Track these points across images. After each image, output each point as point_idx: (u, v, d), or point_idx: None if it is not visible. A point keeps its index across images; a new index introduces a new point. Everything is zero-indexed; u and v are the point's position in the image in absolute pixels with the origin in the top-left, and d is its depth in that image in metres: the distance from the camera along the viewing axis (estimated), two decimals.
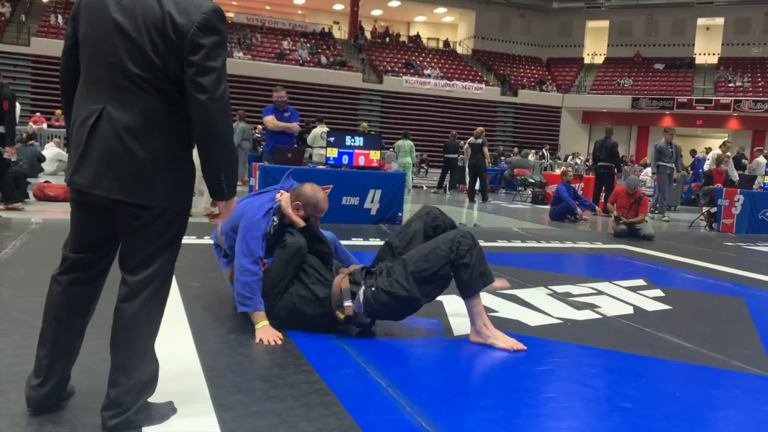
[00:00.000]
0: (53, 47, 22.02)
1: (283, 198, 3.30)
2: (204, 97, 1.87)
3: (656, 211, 11.32)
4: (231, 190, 2.04)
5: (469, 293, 3.11)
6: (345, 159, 7.82)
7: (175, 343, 2.85)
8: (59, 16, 25.30)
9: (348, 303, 3.05)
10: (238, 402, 2.29)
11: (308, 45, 29.94)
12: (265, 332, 3.00)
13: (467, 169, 14.25)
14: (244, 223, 3.14)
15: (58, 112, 18.68)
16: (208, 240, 5.73)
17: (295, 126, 8.11)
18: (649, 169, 13.18)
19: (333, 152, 7.81)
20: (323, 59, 29.01)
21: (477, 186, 13.56)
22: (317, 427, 2.13)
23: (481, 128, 14.11)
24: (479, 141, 13.44)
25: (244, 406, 2.26)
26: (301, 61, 28.25)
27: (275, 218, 3.20)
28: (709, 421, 2.47)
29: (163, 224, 1.98)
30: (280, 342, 2.96)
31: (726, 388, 2.88)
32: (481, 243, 6.77)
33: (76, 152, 1.93)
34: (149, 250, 1.98)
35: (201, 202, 7.53)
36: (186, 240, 5.57)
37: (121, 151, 1.88)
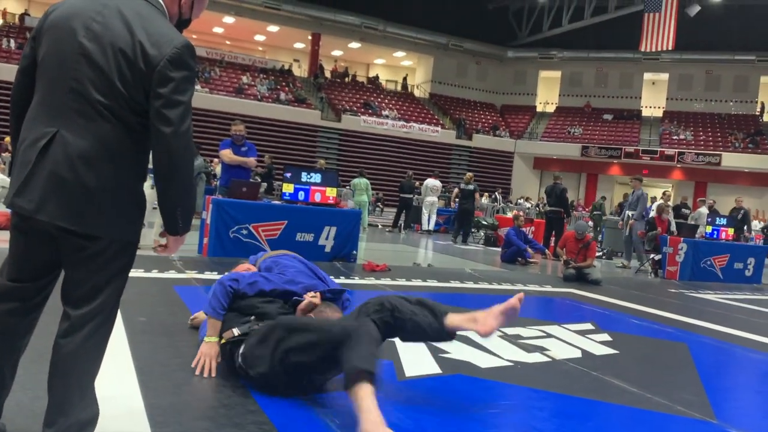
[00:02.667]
0: (4, 72, 21.48)
1: None
2: (169, 130, 1.83)
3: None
4: (186, 225, 2.00)
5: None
6: (301, 195, 7.80)
7: (118, 380, 2.75)
8: (11, 41, 24.79)
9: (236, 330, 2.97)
10: None
11: (267, 81, 30.04)
12: (207, 349, 3.03)
13: (456, 213, 14.46)
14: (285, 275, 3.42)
15: (7, 140, 18.14)
16: (156, 273, 5.60)
17: (251, 161, 8.07)
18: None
19: (289, 188, 7.78)
20: (282, 96, 29.12)
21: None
22: None
23: (470, 174, 14.44)
24: (470, 187, 13.75)
25: None
26: (259, 97, 28.28)
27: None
28: None
29: (109, 257, 1.90)
30: (213, 371, 2.94)
31: None
32: (435, 283, 6.85)
33: (21, 174, 1.83)
34: (94, 283, 1.89)
35: (151, 234, 7.37)
36: (134, 273, 5.43)
37: (70, 178, 1.80)
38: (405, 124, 30.76)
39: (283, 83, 30.76)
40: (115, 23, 1.86)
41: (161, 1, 2.00)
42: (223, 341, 2.99)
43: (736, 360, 4.86)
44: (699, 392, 3.57)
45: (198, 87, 26.66)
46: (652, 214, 12.64)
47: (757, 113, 32.88)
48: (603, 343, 4.63)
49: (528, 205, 25.11)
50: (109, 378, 2.48)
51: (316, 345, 2.57)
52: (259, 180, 14.19)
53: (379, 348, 2.54)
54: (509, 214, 16.79)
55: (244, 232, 7.16)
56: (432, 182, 15.39)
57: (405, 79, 36.28)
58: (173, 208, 1.95)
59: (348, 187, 15.48)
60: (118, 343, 3.26)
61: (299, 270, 3.55)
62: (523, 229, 11.48)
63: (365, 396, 2.29)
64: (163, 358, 3.18)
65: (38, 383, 2.06)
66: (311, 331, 2.62)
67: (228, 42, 35.62)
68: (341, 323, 2.65)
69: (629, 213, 11.77)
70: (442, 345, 3.97)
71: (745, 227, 15.98)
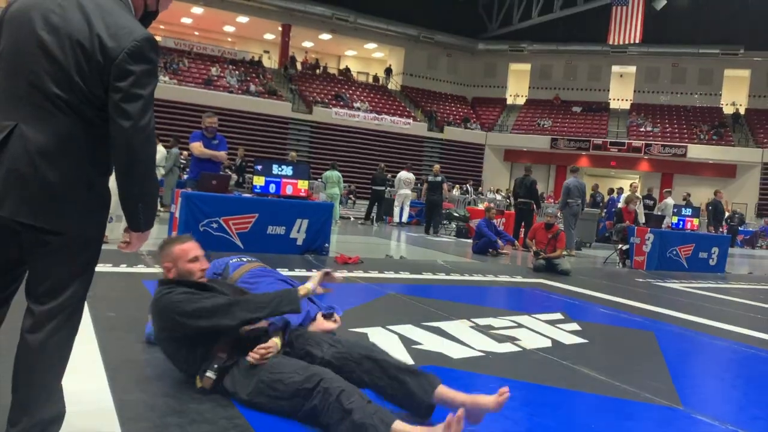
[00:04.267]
0: None
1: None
2: (127, 124, 1.79)
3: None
4: (148, 222, 1.96)
5: None
6: (272, 188, 7.74)
7: (87, 377, 2.70)
8: None
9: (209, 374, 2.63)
10: None
11: (237, 72, 29.70)
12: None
13: (425, 205, 14.57)
14: None
15: None
16: (125, 268, 5.51)
17: (222, 154, 7.98)
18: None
19: (260, 181, 7.72)
20: (252, 87, 28.83)
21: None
22: None
23: (437, 166, 14.68)
24: (438, 179, 13.98)
25: None
26: (229, 89, 27.96)
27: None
28: None
29: (72, 252, 1.86)
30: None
31: (638, 419, 2.99)
32: (407, 275, 6.87)
33: None
34: (58, 278, 1.86)
35: (119, 228, 7.23)
36: (102, 268, 5.35)
37: (30, 173, 1.76)
38: (377, 116, 30.73)
39: (253, 75, 30.45)
40: (73, 15, 1.81)
41: None
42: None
43: (701, 347, 4.97)
44: (666, 380, 3.64)
45: (166, 78, 26.26)
46: (620, 205, 12.86)
47: (721, 106, 33.60)
48: (572, 332, 4.70)
49: (499, 197, 25.32)
50: (78, 375, 2.43)
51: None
52: (229, 173, 14.05)
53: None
54: (480, 206, 16.89)
55: (214, 225, 7.08)
56: (405, 175, 15.43)
57: (387, 71, 36.12)
58: (135, 203, 1.91)
59: (320, 180, 15.41)
60: (87, 340, 3.21)
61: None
62: (494, 220, 11.57)
63: None
64: (132, 354, 3.13)
65: (3, 381, 2.01)
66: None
67: (197, 33, 35.11)
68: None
69: (568, 201, 11.88)
70: (414, 337, 3.99)
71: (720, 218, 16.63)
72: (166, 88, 24.76)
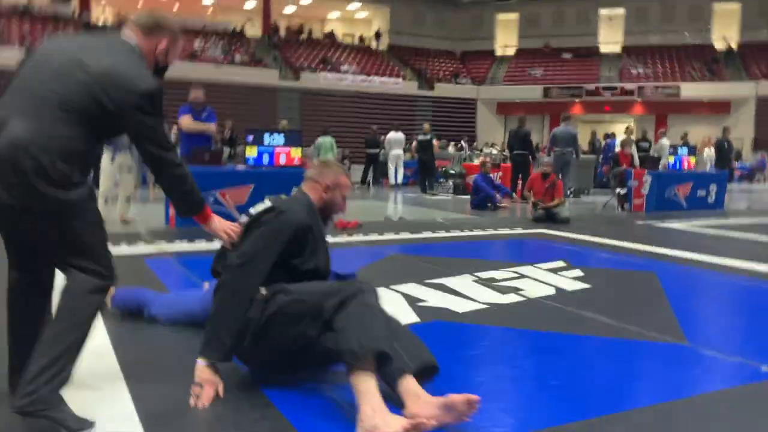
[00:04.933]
0: None
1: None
2: (154, 150, 2.19)
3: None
4: (191, 207, 2.34)
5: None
6: (265, 158, 7.68)
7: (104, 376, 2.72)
8: None
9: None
10: (166, 410, 2.21)
11: (221, 44, 29.25)
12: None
13: (418, 165, 14.51)
14: None
15: None
16: (126, 248, 5.50)
17: (211, 126, 7.90)
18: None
19: (253, 152, 7.66)
20: (237, 57, 28.42)
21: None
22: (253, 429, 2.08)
23: (427, 125, 14.56)
24: (428, 137, 13.89)
25: (174, 413, 2.18)
26: (215, 60, 27.55)
27: None
28: (632, 390, 2.58)
29: (58, 223, 2.01)
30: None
31: (644, 358, 3.02)
32: (407, 235, 6.88)
33: None
34: (58, 252, 2.06)
35: (115, 209, 7.23)
36: None
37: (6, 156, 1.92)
38: (366, 78, 30.37)
39: (238, 45, 29.98)
40: (96, 56, 2.11)
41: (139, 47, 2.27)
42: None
43: (704, 284, 5.01)
44: (670, 318, 3.67)
45: None
46: (617, 149, 12.80)
47: (713, 42, 33.19)
48: (575, 278, 4.73)
49: (494, 150, 25.21)
50: (94, 374, 2.45)
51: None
52: (221, 146, 13.95)
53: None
54: (476, 161, 16.83)
55: (210, 199, 7.05)
56: (394, 135, 15.31)
57: (377, 34, 35.47)
58: (169, 194, 2.33)
59: (313, 147, 15.31)
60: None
61: None
62: (491, 174, 11.53)
63: (365, 379, 2.09)
64: (146, 343, 3.14)
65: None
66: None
67: (176, 7, 34.43)
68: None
69: (554, 149, 11.83)
70: (418, 295, 4.00)
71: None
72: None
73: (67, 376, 1.99)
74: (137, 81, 2.11)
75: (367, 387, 2.07)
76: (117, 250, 5.35)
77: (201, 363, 2.30)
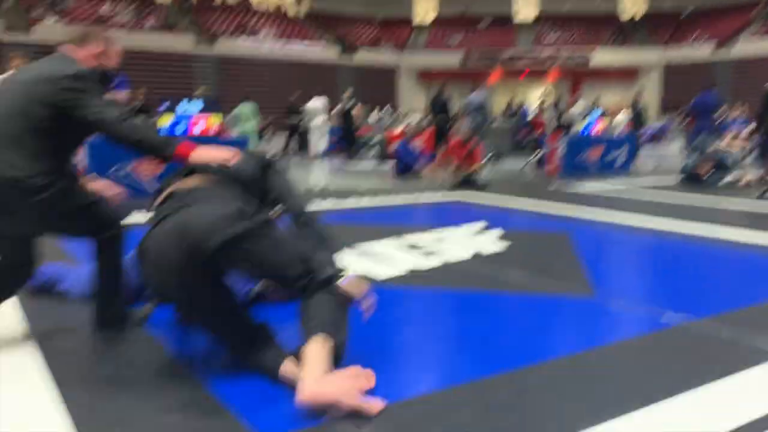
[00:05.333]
0: None
1: None
2: (94, 119, 2.38)
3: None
4: (163, 147, 2.40)
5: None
6: (180, 128, 7.40)
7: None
8: None
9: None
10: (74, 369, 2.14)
11: (131, 8, 27.81)
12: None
13: (341, 132, 14.61)
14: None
15: None
16: None
17: (122, 96, 7.55)
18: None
19: (165, 120, 7.35)
20: (149, 23, 27.14)
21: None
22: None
23: (348, 91, 14.58)
24: (350, 104, 13.97)
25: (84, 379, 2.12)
26: (124, 26, 26.21)
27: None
28: (546, 343, 2.71)
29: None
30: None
31: (558, 313, 3.17)
32: (331, 205, 6.86)
33: None
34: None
35: None
36: None
37: None
38: (285, 44, 29.73)
39: (149, 9, 28.61)
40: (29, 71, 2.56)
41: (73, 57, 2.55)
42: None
43: (612, 242, 5.28)
44: (581, 274, 3.86)
45: (52, 21, 24.32)
46: (531, 116, 13.18)
47: (621, 11, 34.40)
48: (493, 241, 4.87)
49: (416, 118, 25.40)
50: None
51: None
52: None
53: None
54: (398, 130, 16.91)
55: (123, 173, 6.78)
56: (314, 103, 15.07)
57: None
58: (137, 150, 2.45)
59: (231, 115, 14.88)
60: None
61: None
62: (412, 142, 11.63)
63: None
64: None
65: None
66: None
67: None
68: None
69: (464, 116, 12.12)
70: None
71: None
72: (53, 30, 22.95)
73: None
74: (62, 70, 2.42)
75: (313, 356, 2.02)
76: None
77: (351, 276, 2.25)
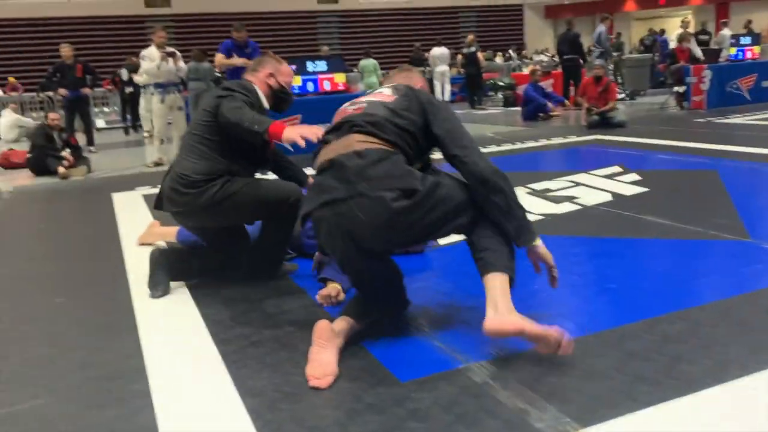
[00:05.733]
0: None
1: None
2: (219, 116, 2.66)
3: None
4: (257, 128, 2.46)
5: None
6: (310, 86, 7.67)
7: (177, 302, 2.88)
8: None
9: None
10: (238, 334, 2.34)
11: None
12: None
13: (465, 79, 14.26)
14: None
15: (11, 79, 17.94)
16: None
17: (240, 61, 7.78)
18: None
19: (296, 81, 7.63)
20: None
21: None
22: None
23: (471, 36, 14.16)
24: (472, 49, 13.59)
25: (243, 337, 2.31)
26: None
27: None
28: (693, 289, 2.57)
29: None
30: (341, 298, 2.63)
31: (705, 257, 2.98)
32: None
33: None
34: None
35: (172, 148, 7.43)
36: (147, 190, 5.50)
37: None
38: None
39: None
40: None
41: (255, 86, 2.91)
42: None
43: (767, 179, 4.83)
44: (732, 215, 3.58)
45: None
46: (672, 45, 12.16)
47: None
48: (633, 183, 4.63)
49: (544, 57, 24.31)
50: (169, 303, 2.61)
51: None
52: None
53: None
54: (526, 71, 16.31)
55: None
56: (438, 50, 14.85)
57: None
58: (240, 132, 2.57)
59: (356, 70, 15.10)
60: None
61: None
62: (541, 83, 11.18)
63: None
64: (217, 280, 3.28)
65: None
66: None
67: None
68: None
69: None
70: None
71: None
72: (189, 2, 24.26)
73: None
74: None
75: (500, 290, 2.04)
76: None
77: (538, 243, 2.26)
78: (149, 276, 2.81)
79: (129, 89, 11.84)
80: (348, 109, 2.33)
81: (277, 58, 3.11)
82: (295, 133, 2.38)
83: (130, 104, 12.35)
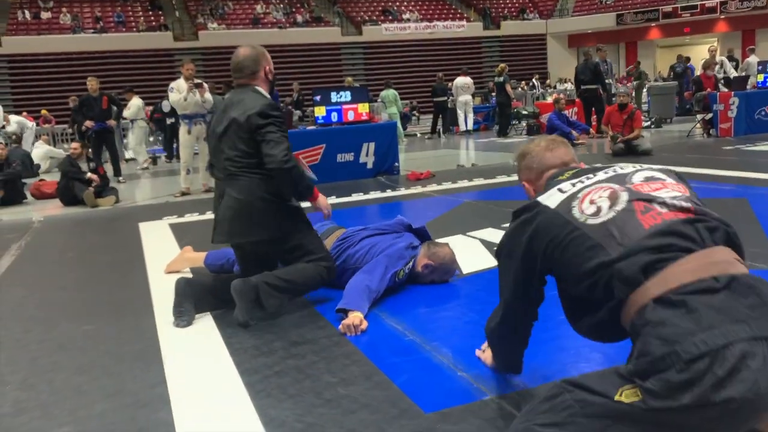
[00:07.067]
0: (27, 45, 21.66)
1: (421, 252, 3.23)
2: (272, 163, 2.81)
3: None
4: (304, 194, 2.92)
5: None
6: (334, 116, 7.77)
7: (202, 331, 2.90)
8: (26, 12, 24.77)
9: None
10: (261, 364, 2.34)
11: (282, 5, 29.33)
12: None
13: (494, 108, 14.38)
14: (389, 252, 3.09)
15: (44, 112, 18.47)
16: (210, 215, 5.73)
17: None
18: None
19: (321, 111, 7.75)
20: (299, 18, 28.46)
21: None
22: (340, 377, 2.17)
23: (502, 65, 14.22)
24: (501, 79, 13.65)
25: (266, 367, 2.31)
26: (278, 24, 27.73)
27: (409, 266, 3.14)
28: None
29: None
30: (363, 327, 2.64)
31: None
32: (481, 181, 6.82)
33: None
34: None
35: (198, 179, 7.53)
36: (189, 218, 5.58)
37: None
38: (428, 24, 29.74)
39: (298, 5, 29.98)
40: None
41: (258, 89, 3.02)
42: None
43: None
44: (764, 244, 3.52)
45: (215, 25, 26.31)
46: (698, 73, 12.10)
47: None
48: None
49: (568, 86, 24.33)
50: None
51: None
52: (291, 109, 14.13)
53: None
54: (549, 99, 16.32)
55: None
56: (461, 80, 14.95)
57: None
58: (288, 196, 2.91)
59: (379, 101, 15.25)
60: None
61: (379, 242, 3.23)
62: (565, 111, 11.18)
63: None
64: None
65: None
66: None
67: None
68: None
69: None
70: (495, 239, 3.99)
71: None
72: (216, 35, 24.88)
73: None
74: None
75: None
76: (204, 216, 5.60)
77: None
78: (174, 305, 2.83)
79: (170, 120, 12.10)
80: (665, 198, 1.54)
81: (262, 48, 3.12)
82: (324, 204, 3.03)
83: (170, 134, 12.62)
